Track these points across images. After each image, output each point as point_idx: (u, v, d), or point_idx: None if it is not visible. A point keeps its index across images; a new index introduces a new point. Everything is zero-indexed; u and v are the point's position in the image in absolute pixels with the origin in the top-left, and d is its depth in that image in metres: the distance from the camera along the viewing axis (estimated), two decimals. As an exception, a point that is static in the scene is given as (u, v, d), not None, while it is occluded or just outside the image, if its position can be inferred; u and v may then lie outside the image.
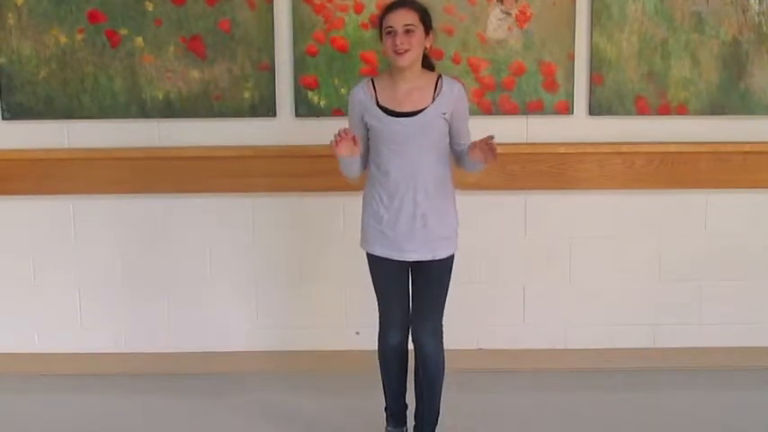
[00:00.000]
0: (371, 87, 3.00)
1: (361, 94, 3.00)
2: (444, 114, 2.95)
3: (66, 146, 3.82)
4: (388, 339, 3.15)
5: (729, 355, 3.98)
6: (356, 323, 3.96)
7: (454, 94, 2.97)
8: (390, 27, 2.88)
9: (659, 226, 3.91)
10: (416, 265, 3.04)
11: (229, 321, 3.96)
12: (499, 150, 3.83)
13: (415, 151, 2.94)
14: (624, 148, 3.80)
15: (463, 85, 3.04)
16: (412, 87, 2.96)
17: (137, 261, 3.92)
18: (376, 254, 3.05)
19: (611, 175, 3.82)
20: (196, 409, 3.65)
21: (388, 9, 2.92)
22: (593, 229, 3.90)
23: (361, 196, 3.14)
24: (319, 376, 3.90)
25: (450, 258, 3.04)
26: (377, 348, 3.20)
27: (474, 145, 2.92)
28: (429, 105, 2.94)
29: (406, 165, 2.95)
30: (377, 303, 3.15)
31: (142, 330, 3.96)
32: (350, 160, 2.99)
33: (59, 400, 3.76)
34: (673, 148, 3.81)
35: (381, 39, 2.94)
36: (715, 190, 3.87)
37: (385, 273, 3.08)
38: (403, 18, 2.88)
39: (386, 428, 3.28)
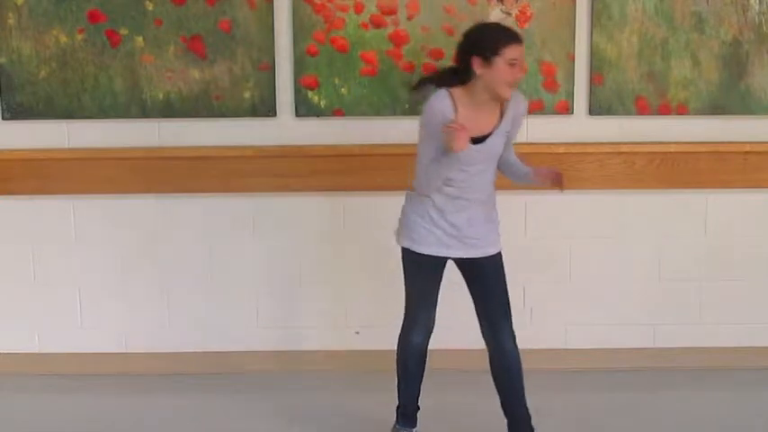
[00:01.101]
0: (453, 106, 2.92)
1: (447, 112, 2.90)
2: (508, 132, 3.02)
3: (67, 146, 3.82)
4: (412, 338, 3.16)
5: (729, 355, 3.98)
6: (356, 323, 3.96)
7: (520, 109, 3.03)
8: (515, 60, 2.85)
9: (659, 226, 3.91)
10: (470, 265, 3.06)
11: (229, 321, 3.96)
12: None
13: (479, 168, 2.98)
14: (624, 148, 3.80)
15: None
16: (489, 112, 2.97)
17: (137, 261, 3.92)
18: (425, 252, 3.04)
19: (611, 175, 3.82)
20: (196, 409, 3.65)
21: (513, 40, 2.87)
22: (593, 229, 3.90)
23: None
24: (319, 376, 3.90)
25: (501, 254, 3.09)
26: (397, 347, 3.20)
27: (539, 172, 3.01)
28: (497, 127, 2.97)
29: (468, 179, 2.97)
30: (406, 302, 3.16)
31: (142, 330, 3.96)
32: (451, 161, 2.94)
33: (59, 400, 3.76)
34: (673, 148, 3.81)
35: (488, 62, 2.85)
36: (715, 190, 3.87)
37: (427, 271, 3.09)
38: (522, 53, 2.90)
39: (395, 427, 3.28)
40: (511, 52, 2.84)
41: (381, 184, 3.80)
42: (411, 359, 3.19)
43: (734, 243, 3.92)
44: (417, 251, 3.05)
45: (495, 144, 2.98)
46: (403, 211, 3.12)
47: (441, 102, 2.90)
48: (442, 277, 3.11)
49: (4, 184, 3.82)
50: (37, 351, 3.97)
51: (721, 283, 3.94)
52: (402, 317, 3.21)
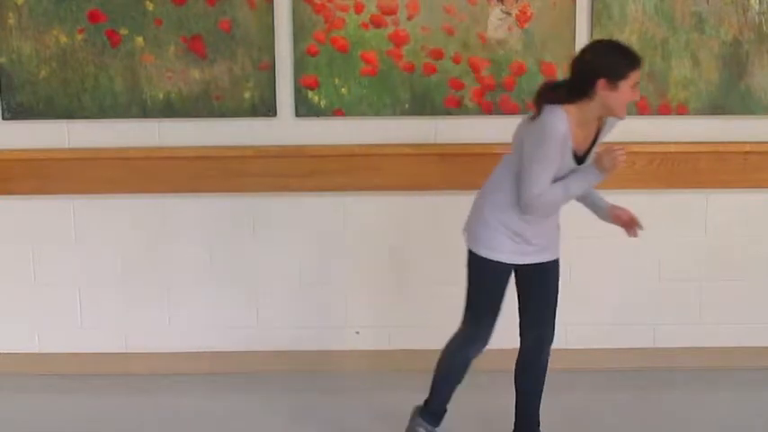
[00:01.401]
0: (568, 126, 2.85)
1: (566, 131, 2.83)
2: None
3: (67, 146, 3.82)
4: (470, 350, 3.10)
5: (729, 355, 3.98)
6: (356, 323, 3.96)
7: (611, 125, 2.99)
8: (638, 82, 2.84)
9: (659, 226, 3.90)
10: (534, 268, 3.04)
11: (229, 321, 3.96)
12: (499, 150, 3.85)
13: None
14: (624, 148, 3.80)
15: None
16: (591, 129, 2.94)
17: (137, 261, 3.92)
18: (502, 260, 2.99)
19: (611, 175, 3.81)
20: (196, 409, 3.66)
21: (639, 63, 2.84)
22: (593, 229, 3.88)
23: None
24: (319, 376, 3.90)
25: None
26: (446, 351, 3.14)
27: (616, 214, 3.04)
28: (594, 143, 2.95)
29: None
30: (470, 310, 3.08)
31: (142, 330, 3.96)
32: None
33: (59, 400, 3.76)
34: (673, 148, 3.81)
35: (613, 84, 2.80)
36: (715, 190, 3.87)
37: (501, 279, 3.04)
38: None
39: (416, 419, 3.21)
40: (636, 75, 2.81)
41: (381, 184, 3.81)
42: (462, 369, 3.14)
43: (734, 243, 3.92)
44: (495, 259, 2.99)
45: (589, 161, 2.96)
46: (482, 218, 3.02)
47: (563, 121, 2.81)
48: None
49: (4, 184, 3.82)
50: (37, 351, 3.97)
51: (721, 283, 3.94)
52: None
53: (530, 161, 2.85)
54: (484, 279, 3.05)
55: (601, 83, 2.79)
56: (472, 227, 3.06)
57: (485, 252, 3.00)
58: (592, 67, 2.82)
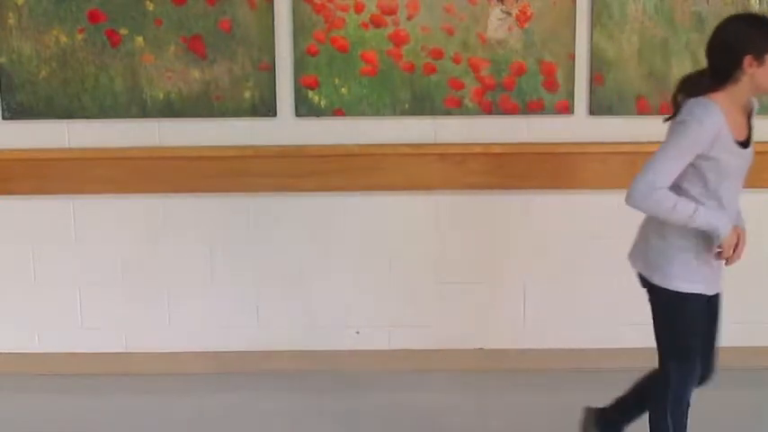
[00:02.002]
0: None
1: (721, 122, 2.58)
2: None
3: (67, 146, 3.82)
4: (687, 396, 2.80)
5: (729, 355, 3.96)
6: (356, 323, 3.96)
7: (754, 110, 2.77)
8: None
9: (659, 226, 3.90)
10: (717, 299, 2.84)
11: (229, 321, 3.96)
12: (499, 150, 3.86)
13: (738, 185, 2.77)
14: (625, 148, 3.79)
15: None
16: (744, 113, 2.71)
17: (137, 261, 3.92)
18: (701, 292, 2.73)
19: (612, 175, 3.81)
20: (196, 410, 3.66)
21: None
22: (594, 229, 3.90)
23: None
24: (319, 376, 3.90)
25: None
26: (663, 411, 2.83)
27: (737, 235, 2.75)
28: (751, 129, 2.73)
29: (731, 201, 2.77)
30: (676, 360, 2.79)
31: (142, 330, 3.96)
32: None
33: (59, 400, 3.76)
34: (673, 148, 3.80)
35: (760, 59, 2.57)
36: (715, 190, 3.86)
37: (703, 316, 2.76)
38: None
39: None
40: None
41: (381, 184, 3.81)
42: (687, 415, 2.81)
43: (734, 243, 3.91)
44: (694, 291, 2.71)
45: (752, 150, 2.72)
46: (665, 241, 2.75)
47: (714, 116, 2.58)
48: None
49: (3, 183, 3.82)
50: (37, 351, 3.97)
51: (721, 282, 3.93)
52: None
53: (663, 146, 2.64)
54: (684, 318, 2.73)
55: (747, 60, 2.57)
56: (652, 255, 2.78)
57: (677, 284, 2.70)
58: (734, 47, 2.60)
